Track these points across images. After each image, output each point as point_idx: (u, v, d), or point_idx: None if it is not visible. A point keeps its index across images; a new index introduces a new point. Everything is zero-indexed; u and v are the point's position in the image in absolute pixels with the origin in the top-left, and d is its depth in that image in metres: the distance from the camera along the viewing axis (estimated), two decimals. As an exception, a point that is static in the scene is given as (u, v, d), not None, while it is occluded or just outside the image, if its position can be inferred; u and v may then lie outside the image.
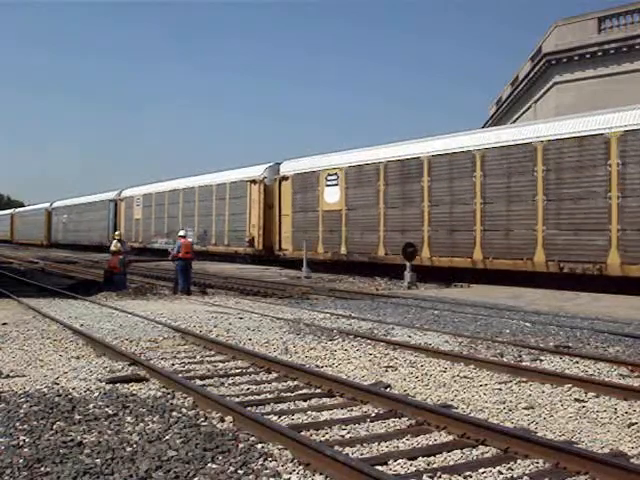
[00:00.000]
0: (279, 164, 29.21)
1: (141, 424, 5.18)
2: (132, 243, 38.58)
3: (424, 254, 21.14)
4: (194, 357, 8.24)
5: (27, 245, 62.66)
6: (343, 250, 24.46)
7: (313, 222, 26.01)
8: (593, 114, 17.73)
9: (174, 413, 5.51)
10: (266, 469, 4.23)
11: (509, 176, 18.86)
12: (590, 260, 16.78)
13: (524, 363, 7.82)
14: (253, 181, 29.81)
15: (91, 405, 5.74)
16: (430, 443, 4.87)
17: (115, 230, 42.04)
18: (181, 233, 19.15)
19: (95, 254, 40.77)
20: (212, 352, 8.55)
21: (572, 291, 16.95)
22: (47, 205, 64.02)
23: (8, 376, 6.94)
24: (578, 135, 17.34)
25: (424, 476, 4.13)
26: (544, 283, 17.56)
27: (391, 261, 21.73)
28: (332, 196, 25.07)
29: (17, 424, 5.15)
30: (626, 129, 16.30)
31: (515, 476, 4.20)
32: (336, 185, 24.92)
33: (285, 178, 27.87)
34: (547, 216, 17.85)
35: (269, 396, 6.28)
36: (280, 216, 27.78)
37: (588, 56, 32.21)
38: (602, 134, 16.77)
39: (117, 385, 6.56)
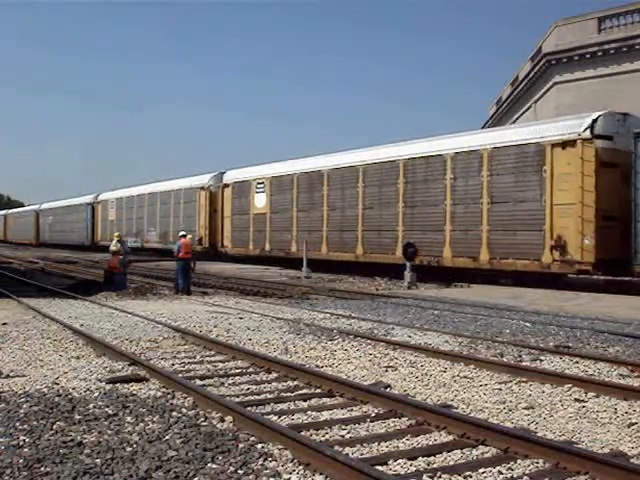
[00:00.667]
0: (223, 173, 33.84)
1: (141, 424, 5.18)
2: (107, 242, 40.91)
3: (323, 250, 25.88)
4: (194, 357, 8.24)
5: (19, 244, 66.22)
6: (267, 247, 29.41)
7: (246, 223, 30.67)
8: (435, 139, 22.38)
9: (174, 413, 5.51)
10: (266, 469, 4.23)
11: (381, 187, 23.42)
12: (432, 254, 21.00)
13: (524, 363, 7.82)
14: (202, 188, 34.69)
15: (91, 405, 5.75)
16: (430, 443, 4.87)
17: (92, 230, 49.77)
18: (182, 233, 19.14)
19: (95, 254, 40.86)
20: (212, 352, 8.54)
21: (572, 291, 16.97)
22: (36, 207, 68.56)
23: (8, 376, 6.94)
24: (426, 155, 21.84)
25: (424, 476, 4.13)
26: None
27: (301, 255, 25.48)
28: (260, 201, 29.99)
29: (17, 424, 5.15)
30: (455, 151, 20.76)
31: (515, 476, 4.20)
32: (263, 192, 29.85)
33: (227, 185, 32.76)
34: (405, 219, 22.39)
35: (269, 396, 6.28)
36: (222, 218, 32.70)
37: (588, 56, 32.23)
38: (441, 155, 21.23)
39: (117, 385, 6.56)
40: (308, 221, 26.89)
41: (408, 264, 19.95)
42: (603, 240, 16.60)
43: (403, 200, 22.45)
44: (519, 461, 4.44)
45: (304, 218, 27.09)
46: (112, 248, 19.41)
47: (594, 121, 17.24)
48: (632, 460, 4.42)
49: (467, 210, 20.16)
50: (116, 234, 21.05)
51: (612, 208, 16.75)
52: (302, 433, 4.92)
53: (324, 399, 6.17)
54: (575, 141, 17.34)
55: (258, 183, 30.17)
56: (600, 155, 16.99)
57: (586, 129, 17.26)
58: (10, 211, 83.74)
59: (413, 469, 4.31)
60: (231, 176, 32.88)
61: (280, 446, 4.60)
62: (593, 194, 16.72)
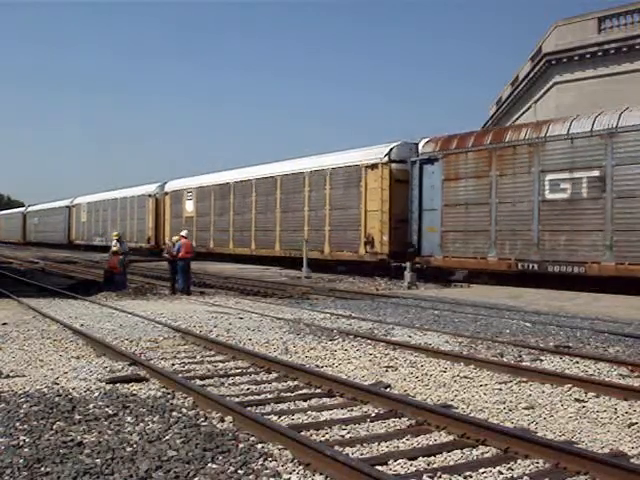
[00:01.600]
0: (165, 183, 40.71)
1: (141, 424, 5.18)
2: (79, 241, 52.25)
3: (230, 246, 32.60)
4: (194, 357, 8.24)
5: (8, 243, 70.50)
6: (194, 244, 35.27)
7: (180, 225, 35.11)
8: (299, 160, 28.84)
9: (174, 413, 5.51)
10: (266, 469, 4.23)
11: (267, 196, 29.87)
12: (295, 248, 26.71)
13: (524, 363, 7.82)
14: (149, 195, 41.07)
15: (91, 405, 5.75)
16: (430, 443, 4.87)
17: (69, 230, 55.22)
18: (183, 233, 19.11)
19: (95, 254, 40.92)
20: (212, 352, 8.54)
21: (572, 291, 16.97)
22: (23, 209, 75.86)
23: (8, 376, 6.94)
24: (293, 172, 28.13)
25: (424, 476, 4.13)
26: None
27: (218, 251, 33.10)
28: (189, 207, 36.81)
29: (17, 424, 5.15)
30: (310, 170, 26.93)
31: (515, 476, 4.20)
32: (191, 200, 36.71)
33: (167, 194, 39.60)
34: (282, 221, 28.71)
35: (269, 396, 6.28)
36: (164, 221, 39.22)
37: (588, 56, 32.21)
38: (302, 172, 27.50)
39: (117, 385, 6.56)
40: (221, 223, 33.69)
41: (408, 264, 19.95)
42: (395, 237, 22.58)
43: (280, 207, 28.78)
44: (519, 461, 4.44)
45: (218, 221, 33.97)
46: (113, 248, 19.42)
47: (391, 150, 23.19)
48: (632, 460, 4.42)
49: (317, 214, 26.44)
50: (115, 233, 21.00)
51: (402, 214, 22.30)
52: (302, 433, 4.92)
53: (324, 399, 6.17)
54: (378, 164, 23.26)
55: (187, 192, 37.13)
56: (394, 174, 22.85)
57: (385, 155, 23.09)
58: (1, 213, 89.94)
59: (413, 469, 4.31)
60: (170, 186, 39.88)
61: (280, 446, 4.60)
62: (388, 203, 22.67)
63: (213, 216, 34.17)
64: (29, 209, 71.94)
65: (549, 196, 18.16)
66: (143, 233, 40.53)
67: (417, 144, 22.47)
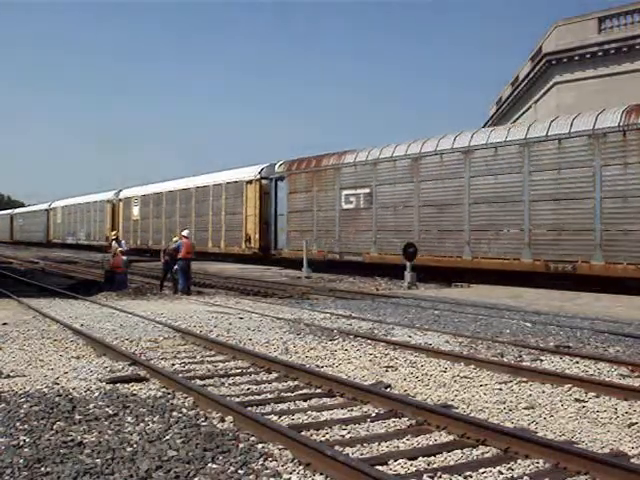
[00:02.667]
0: (120, 191, 47.80)
1: (141, 424, 5.18)
2: (56, 240, 59.38)
3: (164, 244, 35.96)
4: (194, 357, 8.24)
5: None
6: (138, 242, 42.92)
7: (129, 227, 44.71)
8: (207, 176, 36.81)
9: (174, 413, 5.51)
10: (266, 469, 4.23)
11: (186, 204, 37.73)
12: (217, 245, 33.89)
13: (524, 363, 7.82)
14: (108, 201, 48.55)
15: (91, 405, 5.75)
16: (430, 443, 4.87)
17: (47, 231, 62.90)
18: (184, 233, 19.14)
19: (95, 253, 41.00)
20: (212, 352, 8.55)
21: (572, 291, 16.98)
22: (10, 211, 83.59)
23: (8, 376, 6.94)
24: (202, 185, 36.24)
25: (424, 476, 4.13)
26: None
27: (155, 248, 37.38)
28: (136, 212, 44.09)
29: (17, 424, 5.15)
30: (214, 183, 34.89)
31: (515, 476, 4.20)
32: (137, 206, 44.14)
33: (120, 200, 46.97)
34: (196, 224, 35.47)
35: (269, 396, 6.28)
36: (118, 223, 46.21)
37: (588, 56, 32.21)
38: (207, 185, 35.70)
39: (117, 385, 6.56)
40: (157, 225, 40.88)
41: (408, 264, 19.95)
42: (263, 236, 30.09)
43: (194, 212, 36.59)
44: (519, 461, 4.44)
45: (155, 223, 41.17)
46: (119, 249, 19.61)
47: (261, 169, 30.89)
48: (632, 460, 4.42)
49: (217, 218, 34.10)
50: (113, 233, 21.08)
51: (268, 218, 29.65)
52: (302, 433, 4.92)
53: (324, 399, 6.17)
54: (253, 180, 31.04)
55: (134, 199, 44.63)
56: (263, 188, 30.39)
57: (258, 173, 30.90)
58: None
59: (413, 469, 4.31)
60: (123, 194, 47.36)
61: (280, 446, 4.60)
62: (259, 210, 30.24)
63: (152, 219, 41.77)
64: (15, 211, 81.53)
65: (345, 206, 25.05)
66: (103, 233, 48.78)
67: (274, 165, 29.79)
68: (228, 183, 33.13)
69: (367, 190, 23.90)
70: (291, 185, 27.78)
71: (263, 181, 30.21)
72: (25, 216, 73.78)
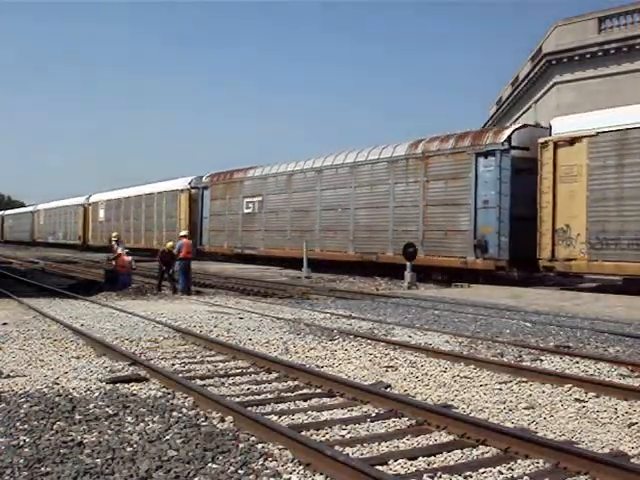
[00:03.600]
0: (90, 196, 54.52)
1: (141, 424, 5.18)
2: (39, 239, 65.87)
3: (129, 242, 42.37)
4: (194, 357, 8.24)
5: None
6: (105, 240, 45.42)
7: (98, 227, 51.47)
8: (153, 184, 43.58)
9: (174, 413, 5.51)
10: (266, 469, 4.23)
11: (136, 209, 44.36)
12: (150, 242, 40.40)
13: (524, 363, 7.82)
14: (81, 205, 55.33)
15: (91, 405, 5.75)
16: (430, 443, 4.87)
17: (32, 231, 69.70)
18: (183, 233, 19.20)
19: (97, 254, 41.08)
20: (212, 352, 8.55)
21: (572, 291, 16.97)
22: (2, 213, 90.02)
23: (8, 376, 6.94)
24: (150, 192, 42.72)
25: (424, 476, 4.13)
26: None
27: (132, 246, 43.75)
28: (102, 215, 50.86)
29: (17, 424, 5.15)
30: (158, 192, 41.42)
31: (515, 476, 4.20)
32: (103, 209, 50.68)
33: (90, 204, 53.79)
34: (146, 226, 42.49)
35: (269, 396, 6.28)
36: (89, 224, 53.33)
37: (588, 56, 32.21)
38: (152, 193, 42.38)
39: (117, 385, 6.56)
40: (118, 226, 45.28)
41: (408, 264, 19.95)
42: (193, 234, 31.20)
43: (144, 216, 42.99)
44: (519, 461, 4.44)
45: (116, 225, 46.35)
46: (122, 251, 19.77)
47: (191, 180, 37.64)
48: (632, 460, 4.42)
49: (159, 220, 40.57)
50: (114, 235, 21.20)
51: (196, 220, 36.11)
52: (302, 433, 4.92)
53: (324, 399, 6.17)
54: (184, 189, 37.90)
55: (101, 203, 51.50)
56: (192, 196, 37.14)
57: (189, 184, 37.60)
58: None
59: (413, 469, 4.31)
60: (92, 198, 54.08)
61: (280, 446, 4.60)
62: (189, 214, 36.70)
63: (113, 221, 48.17)
64: (5, 213, 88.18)
65: (245, 211, 31.81)
66: (76, 232, 55.74)
67: (202, 177, 36.84)
68: (167, 191, 40.33)
69: (260, 198, 30.94)
70: (213, 193, 35.04)
71: (192, 190, 37.58)
72: (13, 217, 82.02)
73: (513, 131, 19.97)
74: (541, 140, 18.41)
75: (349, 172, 25.20)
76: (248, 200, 31.61)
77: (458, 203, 20.69)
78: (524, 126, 20.94)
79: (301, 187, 27.93)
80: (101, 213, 50.78)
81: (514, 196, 19.07)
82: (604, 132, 16.94)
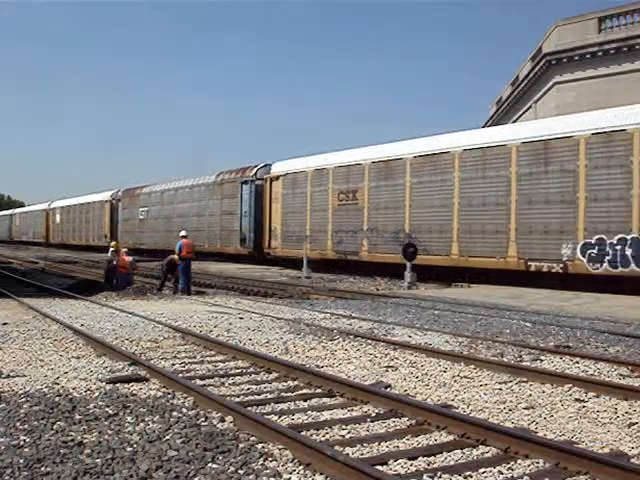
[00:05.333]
0: (52, 202, 64.79)
1: (141, 424, 5.18)
2: (16, 238, 75.99)
3: (83, 240, 54.53)
4: (194, 357, 8.24)
5: None
6: (61, 239, 59.83)
7: (56, 228, 61.32)
8: (89, 195, 55.45)
9: (174, 413, 5.51)
10: (266, 469, 4.23)
11: (86, 214, 53.77)
12: (99, 241, 50.65)
13: (524, 363, 7.82)
14: (44, 210, 66.04)
15: (91, 405, 5.75)
16: (430, 443, 4.87)
17: (10, 231, 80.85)
18: (182, 233, 19.21)
19: (95, 254, 41.11)
20: (212, 352, 8.54)
21: (572, 291, 16.99)
22: None
23: (8, 376, 6.94)
24: (85, 202, 54.61)
25: (424, 476, 4.13)
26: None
27: (70, 242, 56.55)
28: (58, 218, 61.10)
29: (17, 424, 5.15)
30: (91, 201, 53.44)
31: (515, 476, 4.20)
32: (59, 214, 61.01)
33: (51, 209, 63.63)
34: (88, 227, 53.69)
35: (269, 396, 6.28)
36: (50, 226, 63.07)
37: (588, 56, 32.17)
38: (90, 202, 53.65)
39: (117, 385, 6.56)
40: (69, 227, 57.74)
41: (408, 264, 19.95)
42: (113, 234, 46.10)
43: (84, 221, 53.57)
44: (519, 461, 4.44)
45: (67, 226, 58.10)
46: (125, 250, 20.00)
47: (112, 193, 48.70)
48: (632, 460, 4.42)
49: (93, 225, 51.45)
50: (112, 244, 21.68)
51: (117, 224, 47.57)
52: (302, 433, 4.91)
53: (324, 399, 6.17)
54: (107, 201, 49.04)
55: (57, 209, 61.82)
56: (113, 206, 48.15)
57: (110, 196, 48.81)
58: None
59: (413, 469, 4.31)
60: (53, 204, 63.88)
61: (280, 446, 4.60)
62: (110, 219, 48.11)
63: (65, 223, 59.17)
64: None
65: (140, 217, 43.64)
66: (41, 232, 65.66)
67: (119, 191, 48.46)
68: (97, 202, 51.72)
69: (147, 209, 42.97)
70: (123, 204, 47.04)
71: (113, 201, 48.88)
72: None
73: (258, 169, 31.62)
74: (265, 176, 30.45)
75: (189, 192, 38.18)
76: (141, 209, 43.81)
77: (233, 213, 32.95)
78: (264, 165, 31.50)
79: (169, 201, 40.61)
80: (57, 217, 61.89)
81: (257, 209, 30.78)
82: (289, 173, 28.56)
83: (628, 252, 16.35)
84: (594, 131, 17.16)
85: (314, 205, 26.67)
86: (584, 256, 17.24)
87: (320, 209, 26.29)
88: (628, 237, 16.39)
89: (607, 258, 16.74)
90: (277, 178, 29.01)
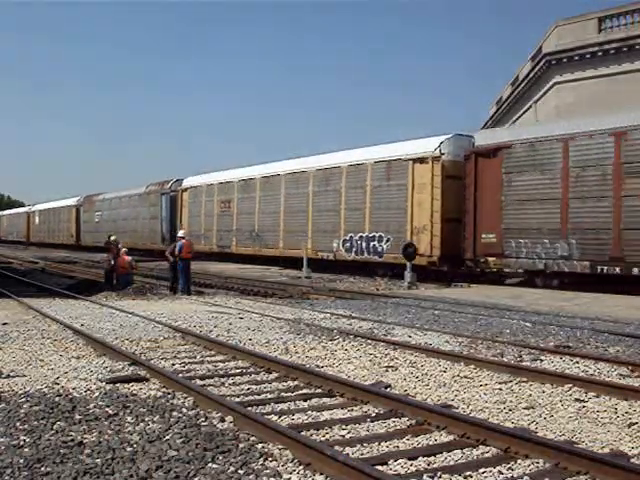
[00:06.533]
0: (34, 205, 72.39)
1: (141, 424, 5.18)
2: (4, 238, 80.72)
3: (56, 239, 60.86)
4: (194, 357, 8.24)
5: None
6: (41, 238, 65.17)
7: (35, 229, 67.79)
8: (57, 201, 64.66)
9: (174, 413, 5.51)
10: (266, 469, 4.23)
11: (54, 216, 62.40)
12: (59, 240, 59.67)
13: (524, 363, 7.82)
14: (26, 212, 73.23)
15: (91, 405, 5.75)
16: (430, 443, 4.87)
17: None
18: (180, 234, 19.16)
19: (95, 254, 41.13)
20: (212, 352, 8.54)
21: (572, 292, 16.99)
22: None
23: (8, 376, 6.94)
24: (52, 207, 63.59)
25: (424, 476, 4.13)
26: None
27: (46, 241, 62.46)
28: (38, 220, 67.03)
29: (17, 424, 5.15)
30: (62, 206, 60.75)
31: (515, 476, 4.20)
32: (38, 217, 66.79)
33: (33, 212, 70.00)
34: (54, 229, 63.19)
35: (269, 396, 6.28)
36: (31, 226, 69.65)
37: (588, 56, 32.16)
38: (61, 207, 60.84)
39: (117, 385, 6.56)
40: (45, 228, 64.16)
41: (408, 264, 19.94)
42: (83, 236, 54.71)
43: (55, 221, 60.44)
44: (519, 461, 4.44)
45: (44, 227, 64.45)
46: (125, 250, 19.88)
47: (78, 200, 56.21)
48: (632, 460, 4.42)
49: (57, 227, 60.55)
50: (112, 238, 21.42)
51: (84, 227, 55.08)
52: (302, 433, 4.91)
53: (324, 399, 6.17)
54: (74, 205, 56.85)
55: (36, 212, 68.15)
56: (79, 211, 55.18)
57: (76, 202, 56.24)
58: None
59: (413, 469, 4.31)
60: (33, 207, 71.25)
61: (280, 446, 4.60)
62: (76, 222, 55.60)
63: (41, 225, 65.73)
64: None
65: (96, 220, 50.80)
66: (23, 233, 71.98)
67: (81, 198, 55.53)
68: (65, 206, 59.10)
69: (100, 213, 50.69)
70: (85, 208, 54.60)
71: (78, 206, 55.94)
72: None
73: (173, 183, 39.79)
74: (177, 188, 38.55)
75: (128, 200, 45.58)
76: (96, 213, 51.34)
77: (157, 217, 40.69)
78: (177, 180, 39.43)
79: (115, 207, 47.89)
80: (36, 219, 68.66)
81: (172, 214, 38.67)
82: (192, 187, 36.93)
83: (364, 245, 24.15)
84: (349, 163, 25.30)
85: (207, 211, 35.07)
86: (343, 248, 25.03)
87: (209, 214, 34.74)
88: (363, 235, 24.31)
89: (354, 249, 24.66)
90: (185, 190, 37.63)
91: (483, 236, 19.73)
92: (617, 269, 16.67)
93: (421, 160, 21.91)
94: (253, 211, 30.57)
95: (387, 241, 23.15)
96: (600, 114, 18.49)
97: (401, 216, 22.54)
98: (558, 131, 18.40)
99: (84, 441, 4.71)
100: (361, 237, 24.21)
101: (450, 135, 21.95)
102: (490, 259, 19.63)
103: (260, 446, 4.65)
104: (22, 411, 5.51)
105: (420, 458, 4.48)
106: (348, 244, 24.73)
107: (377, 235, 23.56)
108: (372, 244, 23.71)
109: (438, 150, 21.58)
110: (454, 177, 21.10)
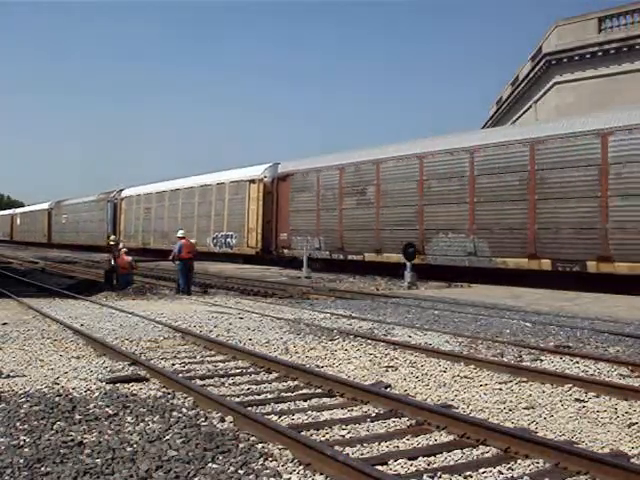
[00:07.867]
0: (16, 209, 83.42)
1: (141, 424, 5.18)
2: None
3: (37, 239, 67.22)
4: (194, 357, 8.24)
5: None
6: (19, 238, 74.74)
7: (18, 229, 76.80)
8: (35, 205, 75.69)
9: (174, 413, 5.51)
10: (266, 469, 4.23)
11: (34, 218, 71.15)
12: (36, 240, 67.72)
13: (524, 363, 7.82)
14: (10, 215, 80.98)
15: (91, 405, 5.75)
16: (430, 443, 4.87)
17: None
18: (179, 234, 19.14)
19: (95, 254, 41.16)
20: (212, 352, 8.54)
21: (573, 291, 17.00)
22: None
23: (8, 376, 6.94)
24: (31, 210, 75.26)
25: (424, 476, 4.13)
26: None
27: (29, 240, 68.13)
28: (18, 222, 75.79)
29: (17, 424, 5.15)
30: (49, 208, 65.12)
31: (515, 476, 4.20)
32: (19, 218, 75.30)
33: (16, 214, 77.80)
34: (31, 230, 71.67)
35: (269, 396, 6.28)
36: (15, 227, 78.16)
37: (588, 56, 32.16)
38: (40, 210, 69.22)
39: (117, 385, 6.56)
40: (26, 229, 71.10)
41: (408, 264, 19.94)
42: (52, 236, 63.49)
43: (35, 222, 67.79)
44: (519, 461, 4.44)
45: (25, 228, 71.51)
46: (125, 250, 19.88)
47: (50, 204, 64.70)
48: (632, 460, 4.42)
49: (35, 227, 68.14)
50: (112, 238, 21.50)
51: (52, 230, 63.96)
52: (302, 433, 4.91)
53: (324, 399, 6.17)
54: (46, 209, 64.77)
55: (18, 215, 76.52)
56: (50, 214, 63.14)
57: (49, 206, 64.32)
58: None
59: (413, 469, 4.30)
60: (15, 210, 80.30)
61: (280, 446, 4.60)
62: (48, 226, 63.32)
63: (23, 225, 73.15)
64: None
65: (63, 221, 59.24)
66: (8, 232, 78.67)
67: (53, 202, 63.25)
68: (38, 210, 67.66)
69: (66, 216, 57.73)
70: (55, 212, 61.82)
71: (50, 210, 63.05)
72: None
73: (115, 192, 48.57)
74: (118, 197, 46.99)
75: (84, 205, 54.03)
76: (63, 216, 58.63)
77: (104, 220, 48.72)
78: (119, 190, 48.31)
79: (77, 211, 55.42)
80: (18, 221, 76.35)
81: (115, 218, 47.00)
82: (128, 197, 46.63)
83: (223, 240, 33.52)
84: (217, 182, 34.87)
85: (136, 216, 44.66)
86: (212, 243, 34.14)
87: (137, 218, 44.54)
88: (223, 233, 33.54)
89: (218, 244, 33.77)
90: (123, 199, 47.04)
91: (280, 235, 28.76)
92: (341, 255, 25.68)
93: (253, 181, 31.55)
94: (164, 216, 40.66)
95: (235, 237, 32.56)
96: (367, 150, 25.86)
97: (242, 219, 31.81)
98: (313, 165, 27.54)
99: (84, 441, 4.71)
100: (222, 235, 33.69)
101: (270, 164, 31.06)
102: (284, 250, 28.55)
103: (260, 446, 4.65)
104: (22, 411, 5.51)
105: (420, 458, 4.48)
106: (215, 240, 34.27)
107: (230, 233, 33.10)
108: (227, 240, 33.31)
109: (263, 174, 31.04)
110: (270, 193, 30.05)
